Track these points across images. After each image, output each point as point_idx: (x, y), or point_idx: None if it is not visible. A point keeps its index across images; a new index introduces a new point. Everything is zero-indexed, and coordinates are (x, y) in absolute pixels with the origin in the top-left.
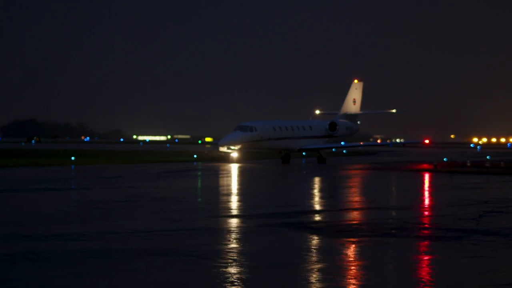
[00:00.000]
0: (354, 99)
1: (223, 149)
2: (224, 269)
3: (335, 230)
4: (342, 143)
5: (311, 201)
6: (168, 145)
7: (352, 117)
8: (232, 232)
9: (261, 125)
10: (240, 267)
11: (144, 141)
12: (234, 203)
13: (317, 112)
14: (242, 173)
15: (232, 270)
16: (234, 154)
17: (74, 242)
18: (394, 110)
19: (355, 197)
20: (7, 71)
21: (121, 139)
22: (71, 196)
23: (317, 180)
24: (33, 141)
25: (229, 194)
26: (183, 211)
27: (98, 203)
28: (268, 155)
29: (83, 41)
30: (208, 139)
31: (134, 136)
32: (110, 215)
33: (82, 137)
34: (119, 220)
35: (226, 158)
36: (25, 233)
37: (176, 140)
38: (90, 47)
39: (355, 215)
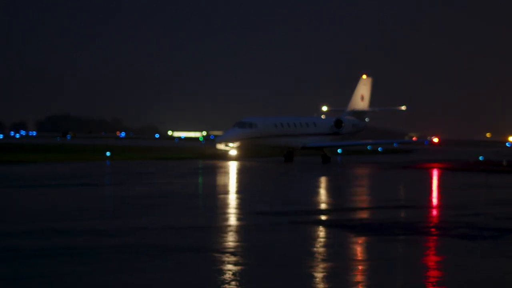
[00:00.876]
0: (362, 95)
1: (221, 146)
2: (251, 267)
3: (381, 228)
4: (349, 142)
5: (364, 199)
6: (176, 140)
7: (359, 114)
8: (263, 229)
9: (262, 121)
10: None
11: (179, 137)
12: (263, 200)
13: (324, 108)
14: (255, 171)
15: (258, 267)
16: (233, 152)
17: (108, 238)
18: (403, 107)
19: (393, 195)
20: (43, 66)
21: (156, 135)
22: (106, 191)
23: (354, 178)
24: (68, 136)
25: (256, 192)
26: (213, 208)
27: (132, 199)
28: (270, 153)
29: (121, 36)
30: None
31: (169, 132)
32: (143, 211)
33: (117, 133)
34: (152, 216)
35: (224, 156)
36: (60, 228)
37: (212, 137)
38: (128, 42)
39: (397, 214)
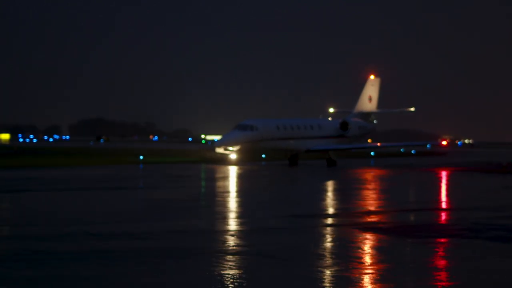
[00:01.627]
0: (370, 96)
1: (220, 150)
2: (297, 267)
3: (429, 231)
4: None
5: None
6: (209, 143)
7: (367, 115)
8: (298, 232)
9: (263, 124)
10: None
11: (212, 140)
12: (295, 202)
13: (331, 110)
14: (274, 175)
15: (304, 268)
16: (233, 156)
17: (143, 241)
18: (412, 109)
19: (435, 197)
20: (77, 71)
21: (190, 139)
22: (140, 194)
23: (389, 179)
24: (101, 140)
25: (288, 194)
26: (248, 210)
27: (166, 202)
28: (272, 156)
29: (155, 41)
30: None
31: (202, 135)
32: (178, 214)
33: (151, 136)
34: (187, 219)
35: (223, 160)
36: (95, 232)
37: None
38: (160, 47)
39: (442, 216)
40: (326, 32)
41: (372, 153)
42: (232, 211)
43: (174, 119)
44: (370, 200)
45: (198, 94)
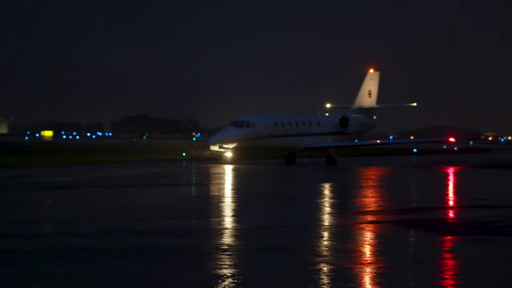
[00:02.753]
0: (370, 91)
1: (214, 148)
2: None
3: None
4: (355, 141)
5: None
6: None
7: (367, 111)
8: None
9: (260, 120)
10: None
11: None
12: (340, 200)
13: (328, 105)
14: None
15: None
16: (228, 154)
17: (188, 238)
18: (415, 104)
19: (473, 195)
20: (120, 68)
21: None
22: (184, 191)
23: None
24: (144, 137)
25: (335, 192)
26: (294, 207)
27: (210, 199)
28: (268, 154)
29: (192, 38)
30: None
31: (193, 132)
32: (224, 211)
33: (193, 134)
34: (233, 216)
35: (219, 158)
36: (139, 229)
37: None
38: (202, 43)
39: (480, 213)
40: (325, 30)
41: (414, 150)
42: (262, 208)
43: (217, 116)
44: (439, 199)
45: (236, 91)
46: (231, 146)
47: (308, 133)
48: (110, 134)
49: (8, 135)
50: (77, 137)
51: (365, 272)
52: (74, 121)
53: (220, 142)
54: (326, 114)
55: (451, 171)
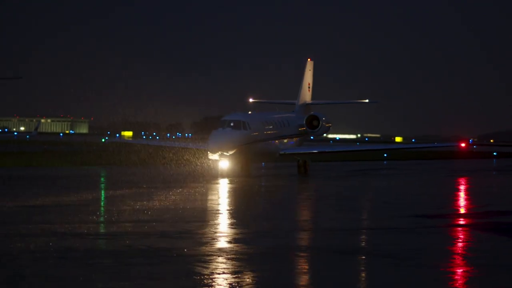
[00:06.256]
0: (309, 84)
1: (214, 157)
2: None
3: None
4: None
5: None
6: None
7: (309, 108)
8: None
9: (252, 119)
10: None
11: (334, 139)
12: (426, 202)
13: (251, 100)
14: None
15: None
16: (224, 163)
17: (263, 238)
18: (366, 100)
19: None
20: (201, 69)
21: (311, 137)
22: (255, 191)
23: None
24: None
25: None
26: (368, 210)
27: (284, 201)
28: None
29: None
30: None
31: (324, 134)
32: (295, 212)
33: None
34: (303, 217)
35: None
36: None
37: (367, 139)
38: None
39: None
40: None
41: (494, 153)
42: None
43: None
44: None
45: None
46: (230, 152)
47: (282, 135)
48: (190, 134)
49: (89, 134)
50: (157, 137)
51: None
52: (153, 121)
53: (222, 149)
54: (249, 112)
55: None
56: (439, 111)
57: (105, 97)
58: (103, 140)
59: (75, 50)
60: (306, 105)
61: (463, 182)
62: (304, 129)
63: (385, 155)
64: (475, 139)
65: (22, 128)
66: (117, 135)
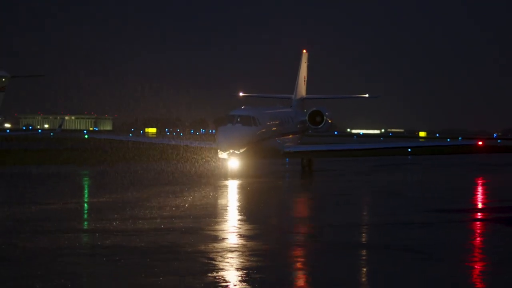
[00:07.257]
0: (305, 77)
1: (224, 156)
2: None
3: None
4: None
5: None
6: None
7: (303, 103)
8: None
9: (261, 115)
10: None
11: (358, 134)
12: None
13: (241, 94)
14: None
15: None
16: (233, 162)
17: (289, 235)
18: (366, 95)
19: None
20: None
21: (335, 132)
22: (274, 189)
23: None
24: None
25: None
26: (398, 205)
27: (311, 197)
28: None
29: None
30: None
31: (348, 130)
32: (325, 209)
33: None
34: (335, 213)
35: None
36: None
37: (391, 134)
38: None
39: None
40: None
41: None
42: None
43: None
44: None
45: None
46: (241, 150)
47: (287, 132)
48: (214, 131)
49: (113, 131)
50: (181, 134)
51: None
52: (176, 117)
53: (233, 147)
54: (242, 107)
55: None
56: (466, 104)
57: (130, 93)
58: (86, 136)
59: (100, 48)
60: (303, 99)
61: (490, 177)
62: (306, 125)
63: (409, 149)
64: (499, 134)
65: (46, 126)
66: (141, 132)
